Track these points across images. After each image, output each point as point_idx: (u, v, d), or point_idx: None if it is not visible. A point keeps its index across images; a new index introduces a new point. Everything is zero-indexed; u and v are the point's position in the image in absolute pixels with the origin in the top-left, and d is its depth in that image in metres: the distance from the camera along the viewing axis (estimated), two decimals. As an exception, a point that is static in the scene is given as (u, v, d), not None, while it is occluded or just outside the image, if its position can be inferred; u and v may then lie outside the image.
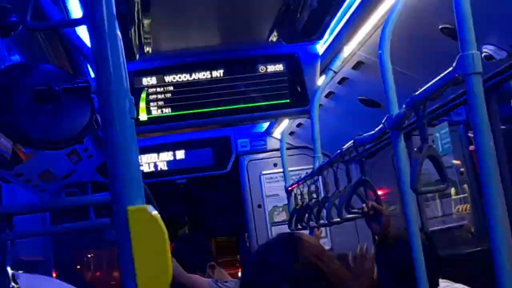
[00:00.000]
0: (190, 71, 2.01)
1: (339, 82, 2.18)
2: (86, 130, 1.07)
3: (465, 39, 0.82)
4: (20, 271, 1.26)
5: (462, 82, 0.85)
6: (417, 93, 1.04)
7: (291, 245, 0.83)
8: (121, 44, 0.52)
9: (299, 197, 2.27)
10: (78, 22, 0.99)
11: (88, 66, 1.69)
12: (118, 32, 0.52)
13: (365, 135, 1.50)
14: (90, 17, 0.51)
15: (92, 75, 1.45)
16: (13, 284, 0.96)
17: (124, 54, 0.53)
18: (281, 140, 2.79)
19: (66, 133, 1.07)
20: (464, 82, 0.84)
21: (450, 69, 0.88)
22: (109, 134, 0.49)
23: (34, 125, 1.02)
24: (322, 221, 1.94)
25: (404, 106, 1.13)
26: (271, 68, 2.06)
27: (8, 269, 1.12)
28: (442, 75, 0.93)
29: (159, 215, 0.48)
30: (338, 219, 1.68)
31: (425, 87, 1.01)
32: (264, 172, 3.18)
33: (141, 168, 1.75)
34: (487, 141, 0.82)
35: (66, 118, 1.03)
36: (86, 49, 1.23)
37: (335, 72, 2.03)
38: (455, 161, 3.26)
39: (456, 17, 0.84)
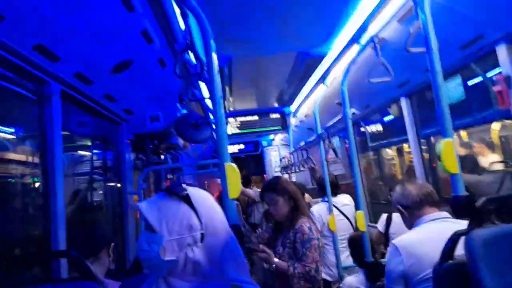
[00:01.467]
0: (244, 116, 5.68)
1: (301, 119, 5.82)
2: (208, 138, 4.40)
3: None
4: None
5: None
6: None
7: (277, 178, 2.56)
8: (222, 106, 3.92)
9: (285, 161, 5.95)
10: (208, 98, 4.63)
11: (210, 114, 5.32)
12: (222, 102, 3.01)
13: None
14: (211, 97, 3.97)
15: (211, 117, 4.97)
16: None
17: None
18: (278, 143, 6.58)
19: (201, 138, 4.44)
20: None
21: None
22: (220, 137, 2.10)
23: (191, 135, 3.70)
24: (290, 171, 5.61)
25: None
26: (274, 116, 5.72)
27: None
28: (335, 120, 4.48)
29: (236, 166, 1.35)
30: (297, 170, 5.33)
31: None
32: (272, 154, 7.01)
33: (229, 150, 5.47)
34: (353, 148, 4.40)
35: (201, 133, 4.46)
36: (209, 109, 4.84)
37: (297, 119, 5.67)
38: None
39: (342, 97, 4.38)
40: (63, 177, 1.99)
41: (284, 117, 5.64)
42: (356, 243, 2.41)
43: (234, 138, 6.06)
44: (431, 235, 1.61)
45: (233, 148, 6.77)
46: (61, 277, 1.85)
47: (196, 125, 3.37)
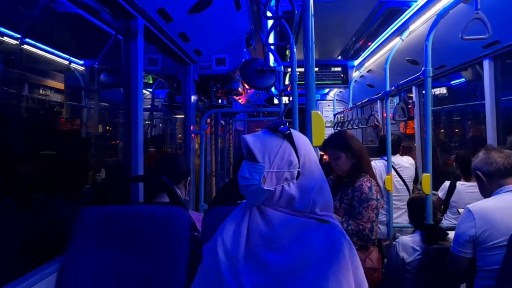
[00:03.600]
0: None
1: (362, 75, 5.58)
2: (271, 85, 4.31)
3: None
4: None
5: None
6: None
7: (342, 132, 2.77)
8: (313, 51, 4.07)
9: (339, 117, 5.84)
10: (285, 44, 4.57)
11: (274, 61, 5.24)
12: (313, 47, 4.05)
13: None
14: (304, 41, 4.05)
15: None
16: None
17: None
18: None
19: (265, 85, 3.78)
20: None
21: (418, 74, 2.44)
22: (308, 85, 4.00)
23: (254, 81, 3.57)
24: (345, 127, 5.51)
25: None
26: (335, 69, 5.52)
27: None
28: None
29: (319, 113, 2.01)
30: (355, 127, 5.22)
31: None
32: (325, 108, 6.89)
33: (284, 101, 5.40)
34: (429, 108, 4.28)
35: (266, 80, 4.42)
36: (276, 55, 4.76)
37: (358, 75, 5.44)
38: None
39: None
40: (142, 110, 2.11)
41: (346, 71, 5.43)
42: (417, 204, 2.38)
43: (287, 90, 5.98)
44: (510, 204, 1.56)
45: (285, 99, 6.74)
46: (138, 201, 2.04)
47: (262, 71, 3.35)
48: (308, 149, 1.04)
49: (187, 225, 1.24)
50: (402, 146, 4.52)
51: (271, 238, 0.97)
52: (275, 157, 0.99)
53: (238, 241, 1.00)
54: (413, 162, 3.64)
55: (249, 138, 1.02)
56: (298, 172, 1.00)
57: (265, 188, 0.97)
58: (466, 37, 1.91)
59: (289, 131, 1.03)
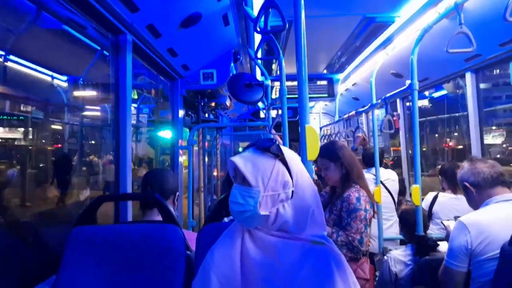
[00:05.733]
0: (291, 81, 5.60)
1: (347, 88, 5.66)
2: (259, 99, 4.32)
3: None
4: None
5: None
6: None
7: (333, 143, 4.31)
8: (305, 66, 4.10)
9: (325, 129, 5.88)
10: (274, 58, 4.58)
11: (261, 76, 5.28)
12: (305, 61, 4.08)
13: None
14: (297, 55, 4.06)
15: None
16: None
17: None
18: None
19: (254, 99, 4.37)
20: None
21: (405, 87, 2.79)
22: (301, 98, 3.99)
23: (243, 95, 3.38)
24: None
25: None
26: (321, 82, 5.58)
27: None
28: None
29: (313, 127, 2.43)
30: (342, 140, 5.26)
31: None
32: (311, 122, 6.92)
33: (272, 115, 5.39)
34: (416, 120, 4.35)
35: (254, 94, 4.46)
36: (262, 70, 4.81)
37: (343, 88, 5.52)
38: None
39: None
40: (131, 125, 2.08)
41: (332, 84, 5.50)
42: (409, 216, 2.40)
43: (276, 104, 6.04)
44: (502, 215, 1.57)
45: (273, 113, 6.80)
46: (127, 219, 1.98)
47: (250, 86, 3.36)
48: (300, 167, 1.01)
49: (182, 244, 1.20)
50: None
51: (266, 267, 0.93)
52: (268, 179, 0.94)
53: (233, 270, 0.95)
54: (395, 175, 3.69)
55: (238, 160, 0.96)
56: (292, 191, 0.97)
57: (261, 213, 0.93)
58: (451, 50, 1.95)
59: (280, 150, 0.99)
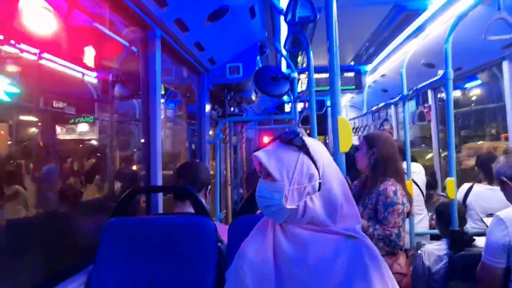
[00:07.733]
0: (318, 73, 5.52)
1: (375, 80, 5.52)
2: (286, 92, 3.64)
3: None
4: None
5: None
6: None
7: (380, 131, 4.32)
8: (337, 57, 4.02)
9: (351, 123, 5.77)
10: (301, 50, 4.53)
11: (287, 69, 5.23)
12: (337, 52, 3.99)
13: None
14: (329, 46, 4.00)
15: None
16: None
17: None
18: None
19: (279, 92, 3.59)
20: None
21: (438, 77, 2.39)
22: (333, 91, 3.92)
23: (269, 88, 3.43)
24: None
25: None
26: (348, 74, 5.47)
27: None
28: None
29: (347, 119, 1.61)
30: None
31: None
32: None
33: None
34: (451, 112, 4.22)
35: (280, 87, 4.38)
36: (289, 63, 4.75)
37: (374, 78, 5.39)
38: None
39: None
40: (161, 119, 2.11)
41: (360, 76, 5.38)
42: (445, 210, 2.32)
43: (302, 96, 5.98)
44: (544, 209, 1.50)
45: (298, 106, 6.76)
46: (158, 211, 2.02)
47: (276, 79, 3.32)
48: (325, 157, 0.98)
49: (214, 235, 1.21)
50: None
51: (299, 260, 0.92)
52: (293, 173, 0.93)
53: (266, 263, 0.95)
54: (421, 167, 3.59)
55: (261, 154, 0.95)
56: (319, 183, 0.95)
57: (287, 207, 0.92)
58: (490, 37, 1.86)
59: (303, 142, 0.97)
